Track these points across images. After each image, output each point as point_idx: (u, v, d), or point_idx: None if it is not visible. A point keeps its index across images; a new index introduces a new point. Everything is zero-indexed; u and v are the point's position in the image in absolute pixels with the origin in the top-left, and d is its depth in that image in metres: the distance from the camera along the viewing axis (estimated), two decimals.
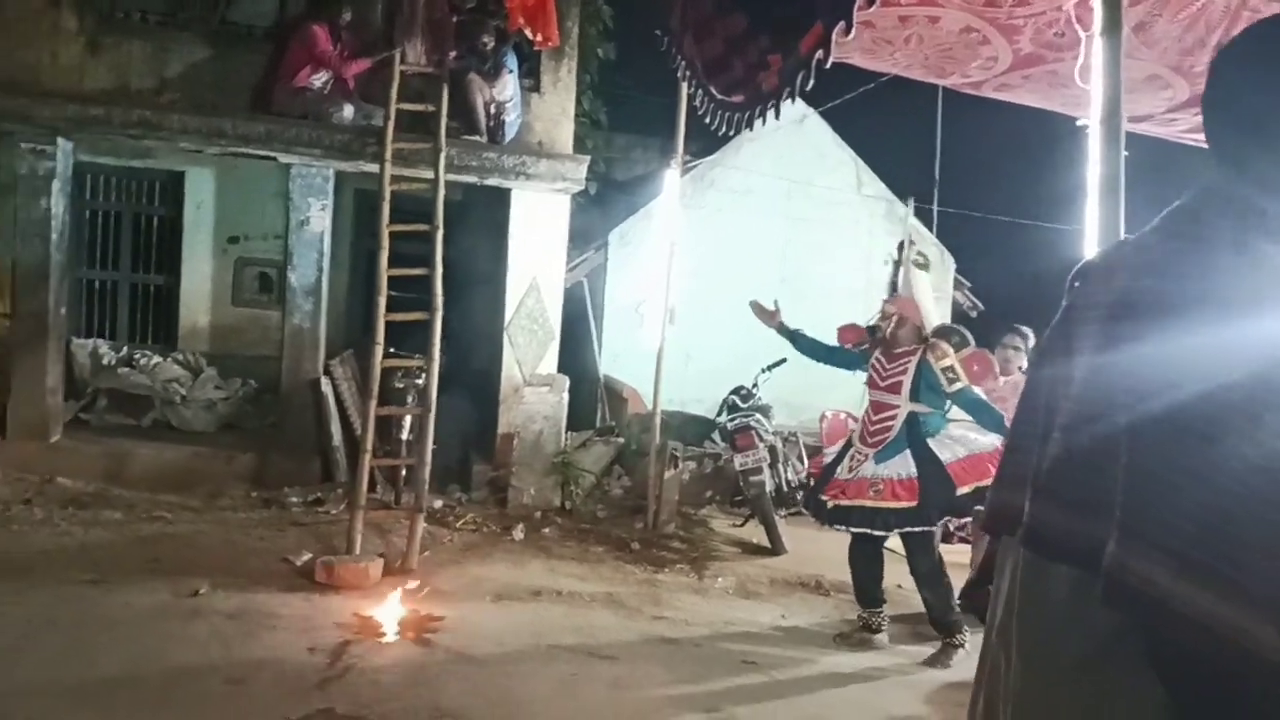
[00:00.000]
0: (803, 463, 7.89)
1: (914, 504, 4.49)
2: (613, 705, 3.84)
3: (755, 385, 7.48)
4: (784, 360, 7.89)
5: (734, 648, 4.69)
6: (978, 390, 4.65)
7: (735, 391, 7.40)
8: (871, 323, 4.98)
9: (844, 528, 4.74)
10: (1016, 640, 1.38)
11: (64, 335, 7.32)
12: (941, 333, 4.78)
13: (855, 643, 4.78)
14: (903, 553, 4.75)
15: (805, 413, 9.05)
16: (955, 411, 4.74)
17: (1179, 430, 1.17)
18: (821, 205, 10.29)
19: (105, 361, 8.01)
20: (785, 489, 7.35)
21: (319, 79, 7.00)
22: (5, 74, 6.71)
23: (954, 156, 10.76)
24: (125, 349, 8.29)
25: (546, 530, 6.59)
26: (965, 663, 4.55)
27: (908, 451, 4.59)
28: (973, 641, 4.64)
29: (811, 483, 5.09)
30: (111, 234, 8.79)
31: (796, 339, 5.27)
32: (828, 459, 5.04)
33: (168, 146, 7.15)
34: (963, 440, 4.63)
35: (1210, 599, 1.13)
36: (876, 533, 4.62)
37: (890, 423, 4.67)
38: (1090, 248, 2.36)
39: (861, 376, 4.98)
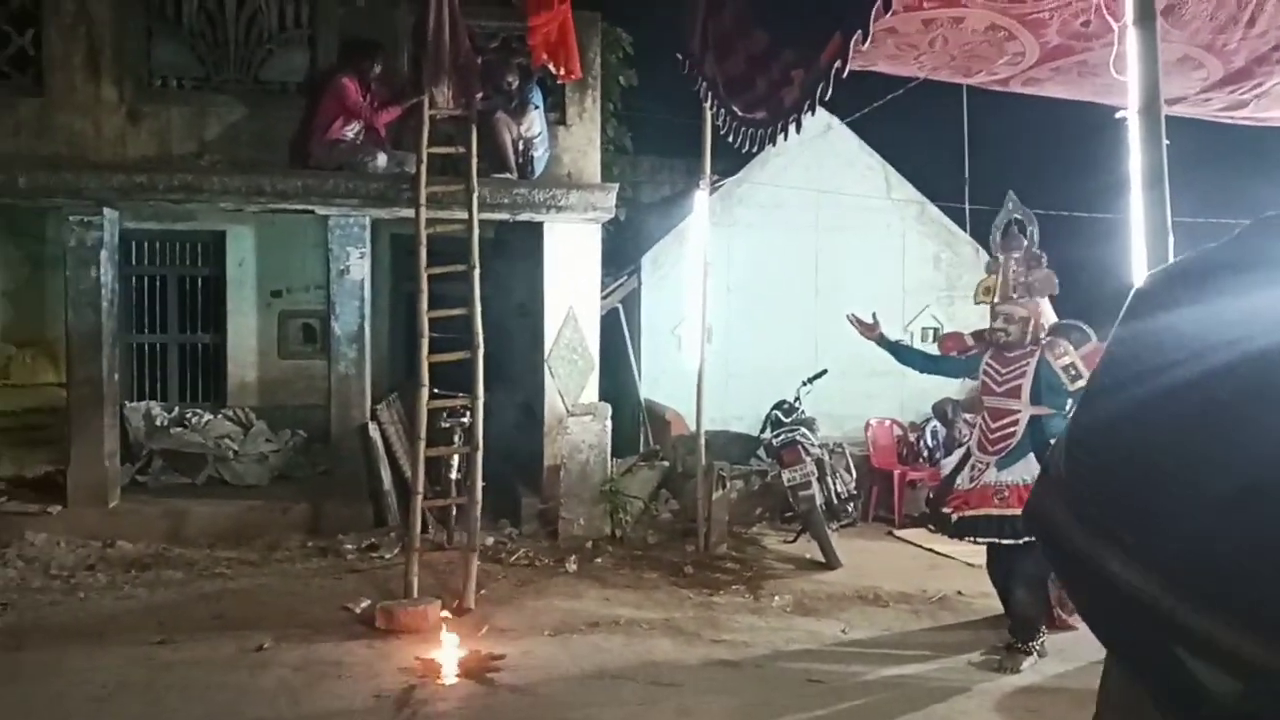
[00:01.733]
0: (851, 474, 7.81)
1: None
2: None
3: (797, 399, 7.43)
4: (825, 372, 7.85)
5: (797, 666, 4.64)
6: None
7: (778, 406, 7.36)
8: (994, 325, 4.74)
9: (973, 539, 4.69)
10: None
11: (118, 400, 7.49)
12: (1059, 330, 4.69)
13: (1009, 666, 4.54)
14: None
15: (849, 423, 8.97)
16: None
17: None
18: (852, 213, 10.23)
19: (159, 423, 8.18)
20: (835, 501, 7.27)
21: (351, 130, 7.13)
22: (50, 148, 6.92)
23: (988, 155, 10.65)
24: (177, 409, 8.46)
25: (599, 559, 6.58)
26: (1033, 669, 4.46)
27: (1031, 455, 4.46)
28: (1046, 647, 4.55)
29: (930, 495, 5.08)
30: (157, 297, 9.01)
31: (899, 351, 5.27)
32: (945, 470, 5.04)
33: (209, 207, 7.32)
34: None
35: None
36: (1005, 541, 4.47)
37: (1013, 429, 4.57)
38: (1137, 237, 2.32)
39: (954, 384, 4.96)
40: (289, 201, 7.10)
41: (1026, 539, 4.35)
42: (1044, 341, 4.59)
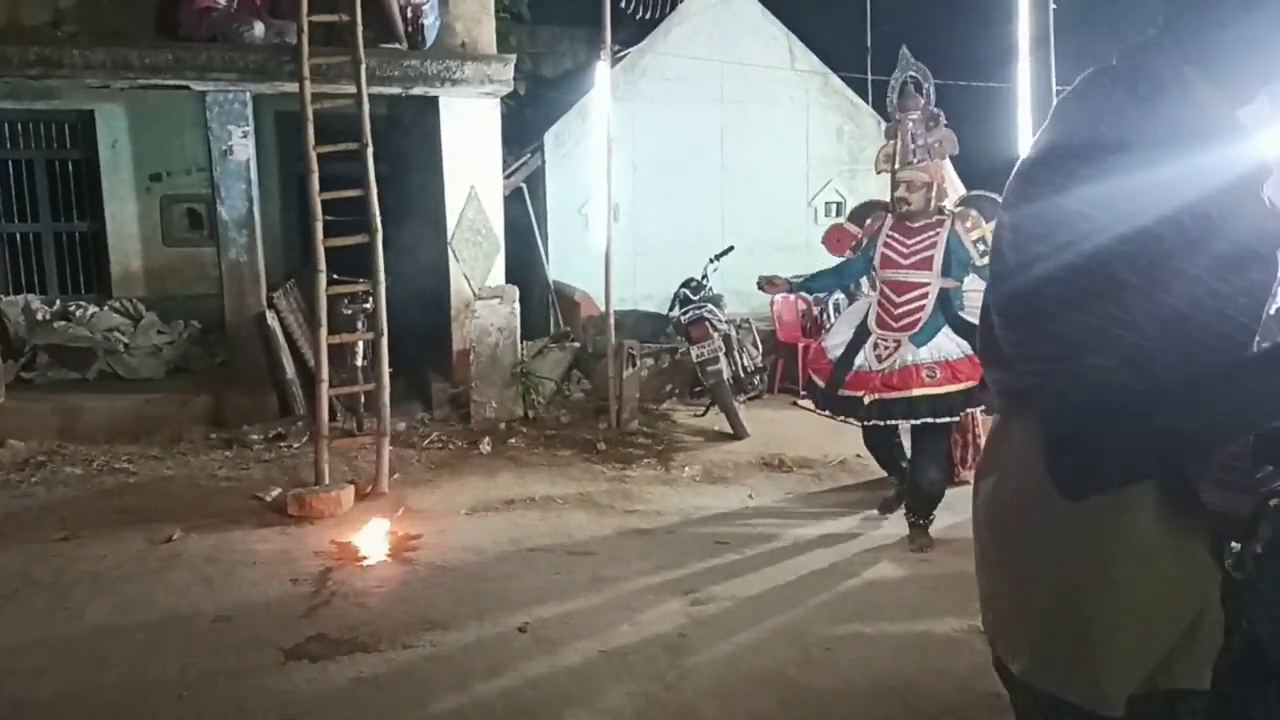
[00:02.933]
0: (757, 348, 8.00)
1: (975, 383, 4.20)
2: (596, 595, 3.98)
3: (705, 276, 7.51)
4: (731, 248, 7.92)
5: (706, 531, 4.85)
6: None
7: (685, 284, 7.43)
8: (895, 194, 4.52)
9: (897, 422, 4.50)
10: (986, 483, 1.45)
11: None
12: (970, 201, 4.49)
13: (897, 507, 4.81)
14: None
15: (756, 299, 9.10)
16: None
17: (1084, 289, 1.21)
18: (757, 84, 10.13)
19: (40, 317, 7.77)
20: (742, 375, 7.48)
21: None
22: None
23: (889, 24, 10.58)
24: (59, 302, 8.04)
25: (512, 440, 6.66)
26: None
27: (946, 329, 4.34)
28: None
29: (816, 380, 4.64)
30: (25, 183, 8.40)
31: (810, 285, 5.12)
32: (834, 353, 4.60)
33: (72, 84, 6.77)
34: None
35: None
36: (941, 420, 4.33)
37: (921, 302, 4.38)
38: (1024, 105, 2.37)
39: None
40: (160, 76, 6.62)
41: (971, 410, 4.42)
42: (955, 212, 4.43)
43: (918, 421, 4.37)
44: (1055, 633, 1.33)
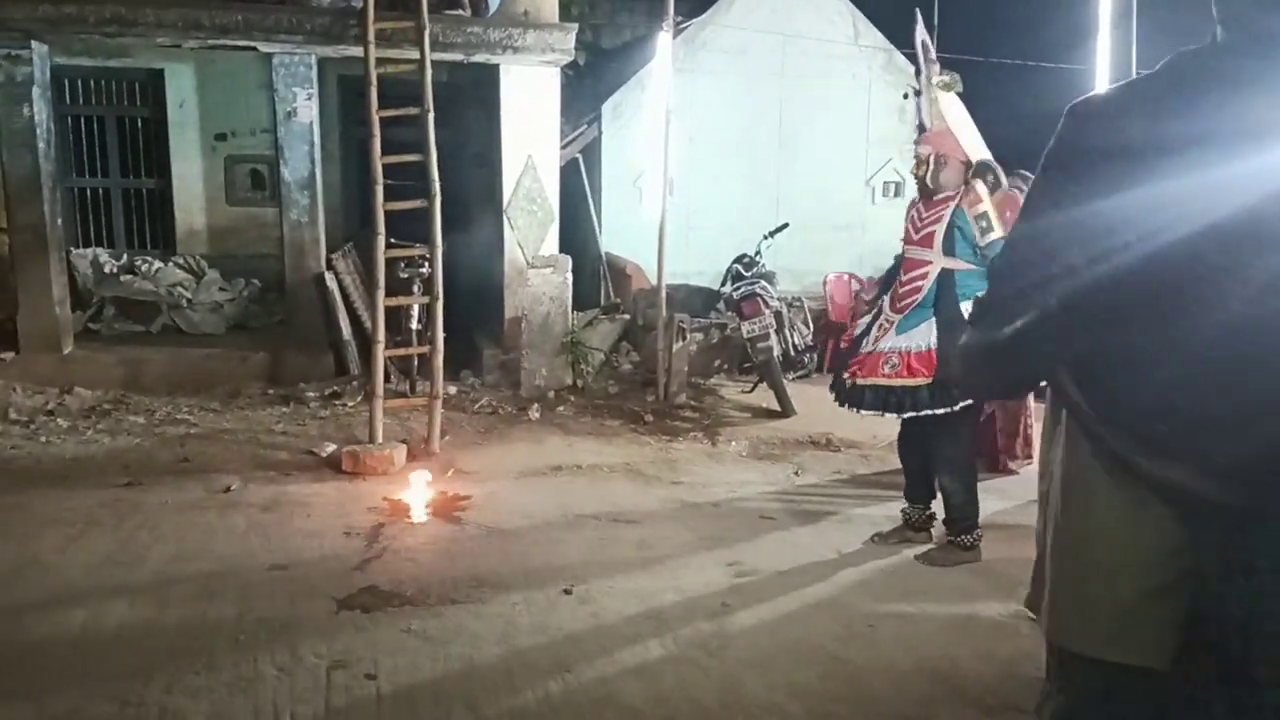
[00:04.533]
0: (808, 327, 7.96)
1: (929, 380, 3.88)
2: (640, 563, 4.02)
3: (758, 253, 7.46)
4: (786, 225, 7.86)
5: (750, 505, 4.86)
6: None
7: (738, 260, 7.39)
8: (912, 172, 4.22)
9: (858, 410, 4.11)
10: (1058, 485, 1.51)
11: (63, 246, 7.28)
12: (979, 171, 4.07)
13: (895, 542, 4.25)
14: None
15: (809, 277, 9.06)
16: None
17: (1149, 293, 1.22)
18: (818, 60, 9.97)
19: (107, 270, 8.01)
20: (792, 353, 7.45)
21: None
22: None
23: (955, 2, 10.34)
24: (125, 256, 8.27)
25: (561, 409, 6.72)
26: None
27: (931, 320, 3.94)
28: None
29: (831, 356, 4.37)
30: (96, 139, 8.63)
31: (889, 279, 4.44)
32: (860, 329, 4.31)
33: (144, 43, 6.93)
34: None
35: (1178, 470, 1.28)
36: (888, 415, 4.03)
37: (920, 283, 3.99)
38: (1101, 85, 2.31)
39: None
40: (229, 37, 6.73)
41: (926, 412, 3.89)
42: (967, 185, 3.99)
43: (869, 412, 4.07)
44: (1048, 584, 1.50)
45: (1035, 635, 3.40)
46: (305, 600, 3.58)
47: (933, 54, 4.49)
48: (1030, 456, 5.37)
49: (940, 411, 3.89)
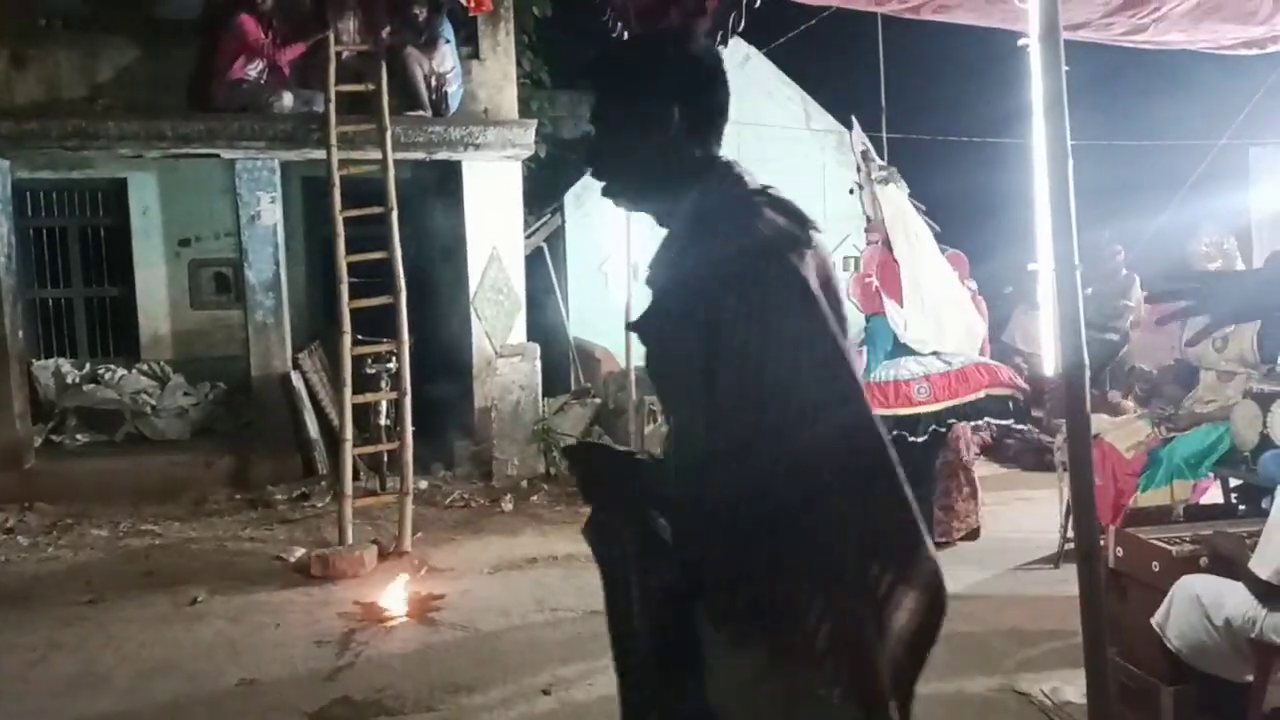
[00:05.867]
0: None
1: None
2: None
3: None
4: None
5: None
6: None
7: None
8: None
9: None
10: None
11: (25, 359, 7.20)
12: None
13: None
14: None
15: None
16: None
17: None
18: (772, 144, 10.24)
19: (69, 380, 7.89)
20: None
21: (254, 69, 6.84)
22: None
23: (900, 84, 10.76)
24: (88, 365, 8.16)
25: (535, 498, 6.64)
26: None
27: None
28: None
29: None
30: (59, 250, 8.60)
31: (869, 364, 5.42)
32: None
33: (106, 154, 7.00)
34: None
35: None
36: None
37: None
38: (1039, 162, 2.40)
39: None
40: (192, 145, 6.82)
41: None
42: None
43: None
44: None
45: (1023, 710, 3.38)
46: (277, 716, 3.46)
47: (871, 153, 4.97)
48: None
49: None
